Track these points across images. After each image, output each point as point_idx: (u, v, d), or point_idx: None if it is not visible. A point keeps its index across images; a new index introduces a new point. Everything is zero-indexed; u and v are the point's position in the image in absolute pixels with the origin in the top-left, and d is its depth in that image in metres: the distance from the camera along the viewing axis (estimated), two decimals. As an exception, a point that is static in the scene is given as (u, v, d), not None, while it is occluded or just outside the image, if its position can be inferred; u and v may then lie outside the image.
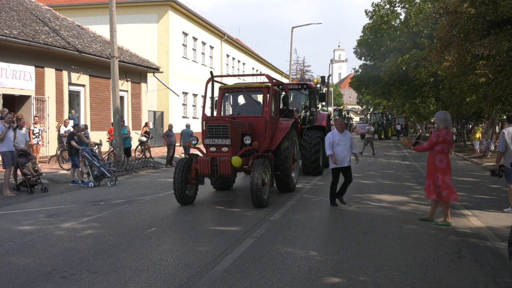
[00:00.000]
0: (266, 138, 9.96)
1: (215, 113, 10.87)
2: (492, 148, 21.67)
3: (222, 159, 8.91)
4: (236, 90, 11.11)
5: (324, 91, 17.83)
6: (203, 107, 10.67)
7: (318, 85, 18.33)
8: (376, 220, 7.89)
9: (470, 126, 30.89)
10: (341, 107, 48.06)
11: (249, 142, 9.31)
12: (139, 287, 4.67)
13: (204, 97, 10.53)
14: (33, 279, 4.90)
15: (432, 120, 51.09)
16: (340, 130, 9.13)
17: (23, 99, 16.14)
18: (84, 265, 5.35)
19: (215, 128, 9.07)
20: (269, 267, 5.27)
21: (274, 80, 10.83)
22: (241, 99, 11.77)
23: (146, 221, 7.81)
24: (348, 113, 44.50)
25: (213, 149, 9.17)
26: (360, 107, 65.80)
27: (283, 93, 12.50)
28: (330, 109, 37.05)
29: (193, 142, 9.77)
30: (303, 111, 15.75)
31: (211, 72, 10.75)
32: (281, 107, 11.60)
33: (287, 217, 8.06)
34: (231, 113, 11.59)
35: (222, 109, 11.16)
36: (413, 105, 41.21)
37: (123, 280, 4.83)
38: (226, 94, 11.27)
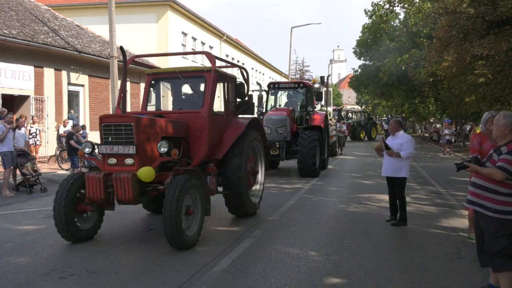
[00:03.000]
0: (204, 143, 7.12)
1: (131, 108, 8.51)
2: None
3: (119, 176, 5.96)
4: (168, 75, 8.36)
5: (321, 90, 17.69)
6: (118, 100, 7.62)
7: (317, 85, 18.25)
8: (376, 220, 7.89)
9: (469, 126, 30.92)
10: (340, 107, 47.82)
11: (165, 150, 6.27)
12: (138, 287, 4.67)
13: (121, 85, 7.54)
14: (32, 279, 4.89)
15: (431, 120, 51.06)
16: (391, 132, 7.72)
17: (22, 99, 16.12)
18: (83, 265, 5.34)
19: (114, 129, 6.20)
20: (268, 267, 5.27)
21: (217, 61, 8.07)
22: (179, 89, 8.69)
23: (145, 221, 7.80)
24: (347, 113, 44.21)
25: (112, 161, 6.25)
26: (359, 107, 65.70)
27: (240, 80, 8.94)
28: (330, 109, 36.98)
29: (86, 149, 6.58)
30: (299, 110, 15.51)
31: (121, 48, 7.41)
32: (238, 99, 8.67)
33: (286, 217, 8.06)
34: (166, 107, 9.16)
35: (149, 102, 8.43)
36: (413, 105, 41.21)
37: (122, 280, 4.83)
38: (155, 82, 8.37)
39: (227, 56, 39.23)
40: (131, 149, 6.11)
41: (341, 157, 22.24)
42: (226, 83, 8.24)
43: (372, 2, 30.40)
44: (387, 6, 29.56)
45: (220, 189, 7.73)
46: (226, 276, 4.97)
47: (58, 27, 18.93)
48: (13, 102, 16.08)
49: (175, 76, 8.05)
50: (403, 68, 26.50)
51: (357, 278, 4.93)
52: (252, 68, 47.74)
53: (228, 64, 9.36)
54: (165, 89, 8.94)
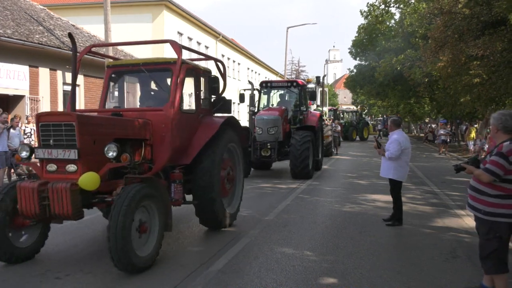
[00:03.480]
0: (166, 145, 6.12)
1: (100, 105, 7.13)
2: (486, 147, 21.77)
3: (55, 186, 5.02)
4: (130, 67, 7.16)
5: (315, 90, 17.38)
6: (70, 96, 5.71)
7: (312, 85, 18.13)
8: (371, 220, 7.91)
9: (465, 127, 31.04)
10: (336, 107, 47.81)
11: (114, 154, 5.28)
12: (134, 287, 4.66)
13: (72, 79, 5.63)
14: (27, 279, 4.87)
15: (427, 120, 51.23)
16: (389, 131, 7.75)
17: (17, 99, 16.05)
18: (79, 265, 5.32)
19: (53, 129, 5.25)
20: (264, 267, 5.27)
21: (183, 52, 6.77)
22: (146, 84, 7.52)
23: (140, 221, 7.77)
24: (343, 113, 44.20)
25: (52, 167, 5.33)
26: (354, 107, 65.80)
27: (214, 74, 7.90)
28: (325, 109, 36.95)
29: (23, 154, 5.66)
30: (293, 109, 15.09)
31: (69, 35, 5.62)
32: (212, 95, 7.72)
33: (282, 217, 8.06)
34: (133, 105, 8.02)
35: (112, 99, 7.46)
36: (408, 105, 41.29)
37: (117, 281, 4.82)
38: (116, 75, 7.26)
39: (222, 56, 39.19)
40: (73, 154, 5.13)
41: (337, 157, 22.27)
42: (197, 77, 7.19)
43: (368, 3, 30.48)
44: (382, 6, 29.67)
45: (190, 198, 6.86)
46: (221, 276, 4.96)
47: (53, 26, 18.86)
48: (8, 102, 16.02)
49: (139, 69, 6.92)
50: (398, 68, 26.57)
51: (353, 278, 4.94)
52: (248, 68, 47.72)
53: (202, 56, 8.47)
54: (131, 84, 8.14)
